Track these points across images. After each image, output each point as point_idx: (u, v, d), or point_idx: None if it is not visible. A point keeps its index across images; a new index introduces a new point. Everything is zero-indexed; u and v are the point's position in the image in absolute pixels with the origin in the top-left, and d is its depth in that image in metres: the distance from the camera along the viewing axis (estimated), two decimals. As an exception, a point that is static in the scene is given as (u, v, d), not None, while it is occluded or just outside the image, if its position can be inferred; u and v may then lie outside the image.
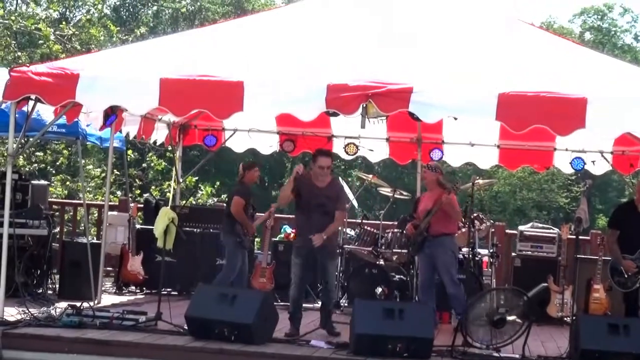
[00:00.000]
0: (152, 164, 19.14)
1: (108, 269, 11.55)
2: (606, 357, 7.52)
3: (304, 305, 8.75)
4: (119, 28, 22.73)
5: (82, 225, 12.12)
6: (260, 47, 8.91)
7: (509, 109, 7.66)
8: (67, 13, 30.56)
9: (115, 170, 16.59)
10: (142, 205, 12.65)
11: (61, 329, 7.86)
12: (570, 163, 11.39)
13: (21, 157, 15.87)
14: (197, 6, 36.99)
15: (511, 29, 9.54)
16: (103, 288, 10.57)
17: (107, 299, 10.27)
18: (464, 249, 10.13)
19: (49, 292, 10.33)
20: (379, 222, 10.87)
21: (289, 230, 11.62)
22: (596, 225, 28.68)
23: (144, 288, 11.19)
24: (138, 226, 11.43)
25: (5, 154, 11.05)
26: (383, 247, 10.51)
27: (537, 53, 8.91)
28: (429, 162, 10.49)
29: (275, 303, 8.70)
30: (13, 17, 19.15)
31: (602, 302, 9.67)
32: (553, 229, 11.27)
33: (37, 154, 17.97)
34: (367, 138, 11.81)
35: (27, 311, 8.30)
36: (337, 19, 9.45)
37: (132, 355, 7.46)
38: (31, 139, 9.70)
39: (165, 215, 8.85)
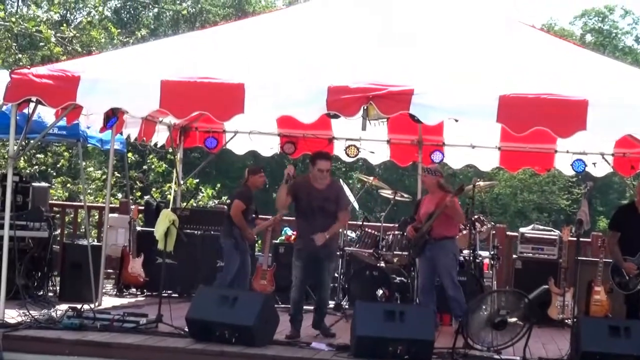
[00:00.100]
0: (153, 166, 19.12)
1: (109, 271, 11.54)
2: (607, 359, 7.51)
3: (304, 307, 8.73)
4: (119, 30, 22.75)
5: (83, 227, 12.12)
6: (260, 49, 8.91)
7: (510, 111, 7.65)
8: (68, 15, 30.57)
9: (116, 173, 16.57)
10: (142, 208, 12.63)
11: (62, 331, 7.85)
12: (571, 165, 11.39)
13: (22, 159, 15.83)
14: (197, 8, 36.95)
15: (512, 30, 9.53)
16: (104, 290, 10.58)
17: (108, 301, 10.28)
18: (465, 251, 10.14)
19: (50, 294, 10.31)
20: (380, 224, 10.86)
21: (289, 232, 11.63)
22: (597, 227, 28.65)
23: (145, 290, 11.20)
24: (139, 228, 11.42)
25: (6, 156, 11.04)
26: (384, 249, 10.50)
27: (538, 55, 8.90)
28: (428, 166, 10.46)
29: (276, 305, 8.68)
30: (14, 19, 19.16)
31: (603, 304, 9.68)
32: (554, 231, 11.26)
33: (38, 156, 17.97)
34: (368, 140, 11.80)
35: (27, 313, 8.30)
36: (337, 20, 9.45)
37: (133, 357, 7.46)
38: (32, 141, 9.71)
39: (166, 218, 8.84)
